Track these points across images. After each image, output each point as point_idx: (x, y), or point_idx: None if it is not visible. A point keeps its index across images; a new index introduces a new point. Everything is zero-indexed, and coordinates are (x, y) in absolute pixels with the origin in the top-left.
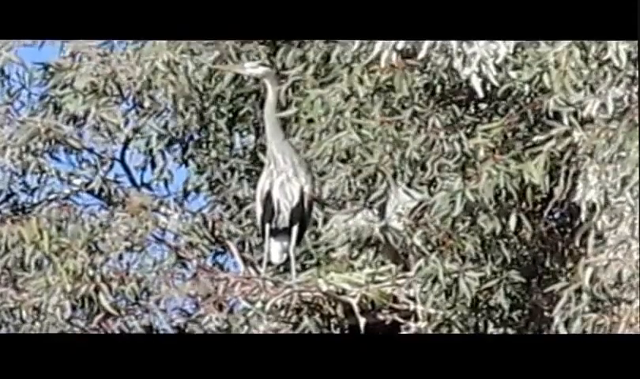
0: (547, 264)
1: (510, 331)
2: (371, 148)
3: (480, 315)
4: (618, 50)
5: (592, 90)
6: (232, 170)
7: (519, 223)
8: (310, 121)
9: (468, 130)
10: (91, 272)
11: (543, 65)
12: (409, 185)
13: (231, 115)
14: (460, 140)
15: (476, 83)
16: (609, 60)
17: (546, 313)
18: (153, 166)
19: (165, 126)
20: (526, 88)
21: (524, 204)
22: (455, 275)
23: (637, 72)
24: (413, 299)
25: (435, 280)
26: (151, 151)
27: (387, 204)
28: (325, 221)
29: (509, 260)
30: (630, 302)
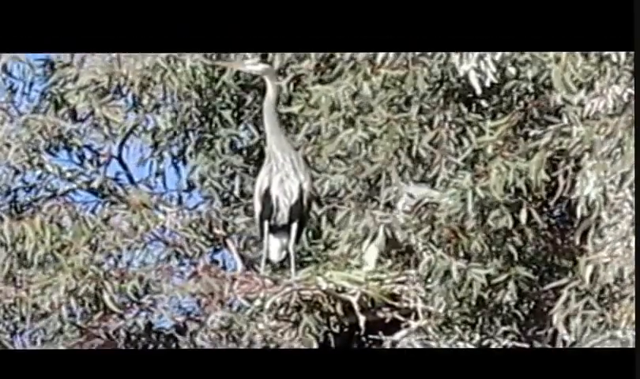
0: (550, 261)
1: (512, 328)
2: (377, 146)
3: (484, 312)
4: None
5: (593, 87)
6: (231, 166)
7: (528, 219)
8: (315, 118)
9: (475, 128)
10: (93, 269)
11: (543, 61)
12: (415, 182)
13: (230, 112)
14: (468, 138)
15: (474, 79)
16: (609, 56)
17: (547, 310)
18: (153, 162)
19: (164, 122)
20: (526, 85)
21: (532, 201)
22: (462, 273)
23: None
24: (414, 297)
25: (443, 278)
26: (150, 147)
27: (393, 201)
28: (328, 218)
29: (515, 258)
30: (632, 299)
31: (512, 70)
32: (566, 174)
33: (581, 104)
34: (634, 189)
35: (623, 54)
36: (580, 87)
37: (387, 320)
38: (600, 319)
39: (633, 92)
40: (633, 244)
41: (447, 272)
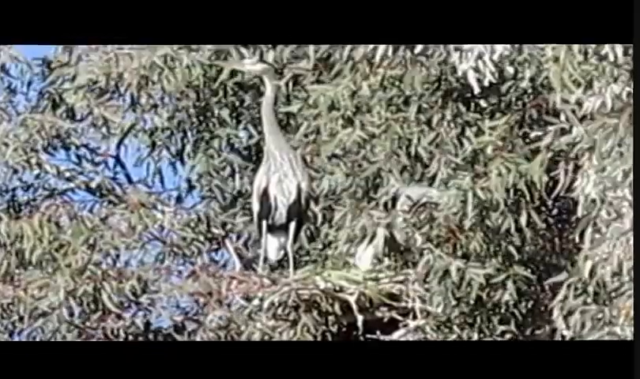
0: (549, 260)
1: (510, 327)
2: (376, 145)
3: (482, 312)
4: (614, 45)
5: (591, 86)
6: (230, 166)
7: (528, 219)
8: (314, 117)
9: (474, 128)
10: (91, 269)
11: (541, 61)
12: (414, 182)
13: (228, 111)
14: (468, 139)
15: (472, 79)
16: (607, 55)
17: (545, 310)
18: (151, 162)
19: (162, 122)
20: (524, 84)
21: (531, 201)
22: (461, 272)
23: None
24: (412, 297)
25: (442, 278)
26: (148, 146)
27: (391, 201)
28: (327, 218)
29: (515, 257)
30: (630, 296)
31: (510, 70)
32: (566, 173)
33: (579, 103)
34: (633, 187)
35: (620, 52)
36: (578, 86)
37: (385, 320)
38: (599, 315)
39: (632, 91)
40: (632, 242)
41: (446, 272)
